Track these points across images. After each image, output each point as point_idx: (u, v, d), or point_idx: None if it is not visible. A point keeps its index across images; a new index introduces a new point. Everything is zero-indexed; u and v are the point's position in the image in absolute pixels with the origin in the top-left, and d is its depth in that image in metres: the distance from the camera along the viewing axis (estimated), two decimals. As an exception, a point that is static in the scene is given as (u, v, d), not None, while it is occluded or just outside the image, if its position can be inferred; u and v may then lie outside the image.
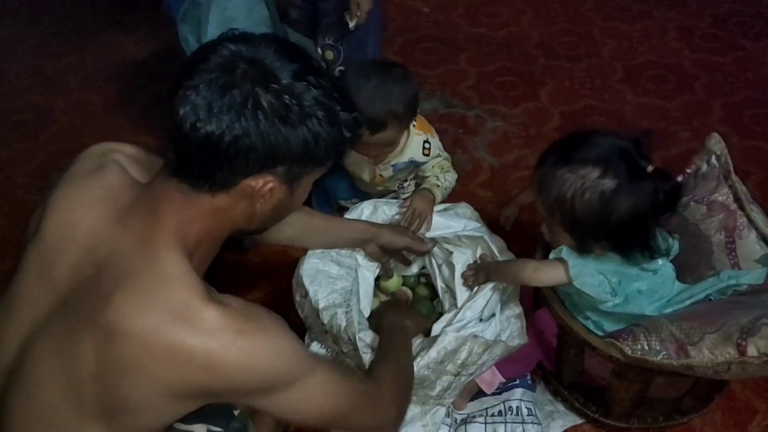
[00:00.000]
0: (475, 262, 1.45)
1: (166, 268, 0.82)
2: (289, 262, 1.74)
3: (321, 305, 1.34)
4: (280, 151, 0.82)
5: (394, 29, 2.70)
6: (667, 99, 2.26)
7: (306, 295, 1.39)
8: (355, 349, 1.27)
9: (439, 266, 1.53)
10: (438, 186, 1.55)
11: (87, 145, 0.99)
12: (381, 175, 1.58)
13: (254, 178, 0.84)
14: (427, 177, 1.58)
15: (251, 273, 1.78)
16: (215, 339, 0.80)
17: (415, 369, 1.25)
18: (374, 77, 1.36)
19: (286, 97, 0.80)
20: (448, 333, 1.28)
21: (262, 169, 0.83)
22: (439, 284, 1.52)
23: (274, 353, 0.85)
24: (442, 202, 1.56)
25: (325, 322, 1.33)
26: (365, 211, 1.51)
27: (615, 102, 2.27)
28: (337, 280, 1.40)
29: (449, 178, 1.57)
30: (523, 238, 1.49)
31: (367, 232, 1.40)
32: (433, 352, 1.25)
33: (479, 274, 1.37)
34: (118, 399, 0.82)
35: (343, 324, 1.29)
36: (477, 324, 1.37)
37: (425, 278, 1.63)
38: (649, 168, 1.11)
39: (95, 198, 0.90)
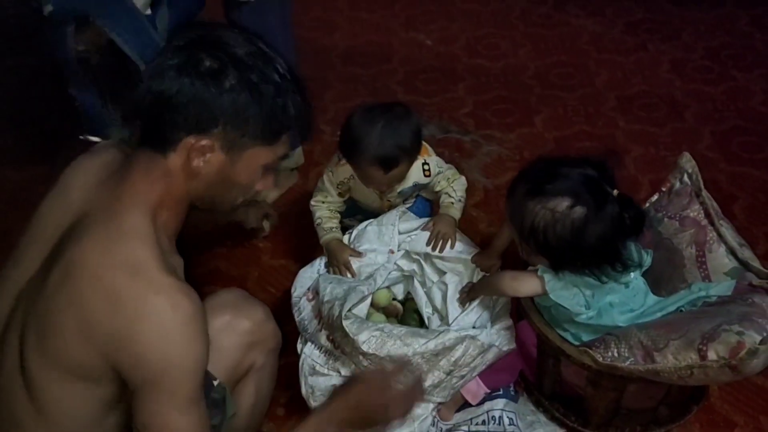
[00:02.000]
0: (468, 283, 1.52)
1: (130, 223, 0.93)
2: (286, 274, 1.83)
3: (326, 299, 1.42)
4: (211, 111, 0.93)
5: (398, 61, 2.81)
6: (658, 126, 2.33)
7: (313, 298, 1.49)
8: (346, 335, 1.33)
9: (429, 288, 1.60)
10: (453, 204, 1.62)
11: None
12: (389, 201, 1.66)
13: (194, 136, 0.95)
14: (440, 194, 1.65)
15: (250, 288, 1.86)
16: (149, 300, 0.89)
17: (410, 355, 1.30)
18: (380, 119, 1.44)
19: (227, 62, 0.93)
20: (449, 330, 1.35)
21: (199, 128, 0.94)
22: (425, 310, 1.58)
23: (183, 353, 0.91)
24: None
25: (326, 314, 1.40)
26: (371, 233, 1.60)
27: (607, 128, 2.34)
28: (344, 281, 1.49)
29: (459, 187, 1.64)
30: (514, 255, 1.55)
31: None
32: (431, 344, 1.32)
33: (469, 292, 1.46)
34: (53, 326, 0.92)
35: (335, 314, 1.36)
36: (470, 330, 1.44)
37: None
38: (615, 192, 1.17)
39: (90, 169, 1.06)
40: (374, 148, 1.42)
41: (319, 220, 1.64)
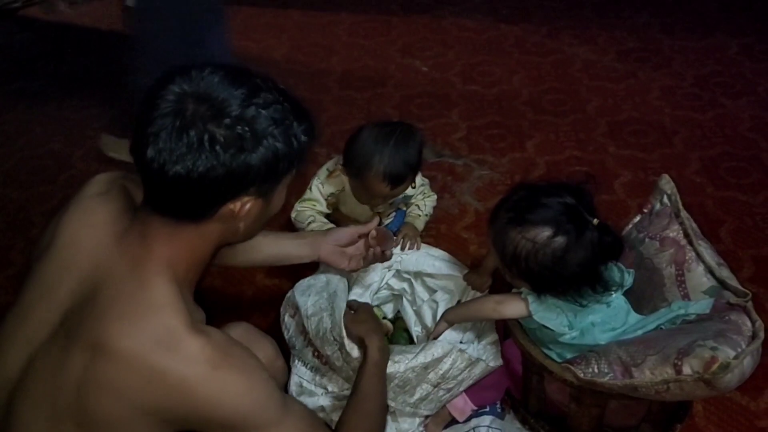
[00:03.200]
0: (458, 301, 1.55)
1: (155, 295, 0.89)
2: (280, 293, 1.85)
3: (309, 312, 1.42)
4: (246, 176, 0.88)
5: (394, 86, 2.87)
6: (647, 152, 2.37)
7: (295, 313, 1.48)
8: (341, 347, 1.34)
9: (420, 306, 1.63)
10: (420, 216, 1.75)
11: None
12: (378, 212, 1.72)
13: (231, 202, 0.91)
14: (412, 206, 1.76)
15: (244, 306, 1.89)
16: (191, 369, 0.87)
17: (401, 371, 1.32)
18: (391, 138, 1.51)
19: (239, 127, 0.85)
20: (437, 342, 1.37)
21: (236, 194, 0.90)
22: (414, 329, 1.61)
23: (246, 393, 0.91)
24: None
25: (312, 328, 1.40)
26: None
27: (597, 153, 2.39)
28: (323, 290, 1.49)
29: (429, 203, 1.77)
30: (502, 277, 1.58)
31: (310, 247, 1.43)
32: (421, 357, 1.34)
33: (440, 327, 1.46)
34: (95, 415, 0.88)
35: (328, 326, 1.37)
36: (457, 345, 1.46)
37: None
38: (595, 221, 1.21)
39: (99, 221, 0.98)
40: (385, 165, 1.49)
41: (311, 218, 1.67)
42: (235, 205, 0.92)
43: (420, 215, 1.74)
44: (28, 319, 0.96)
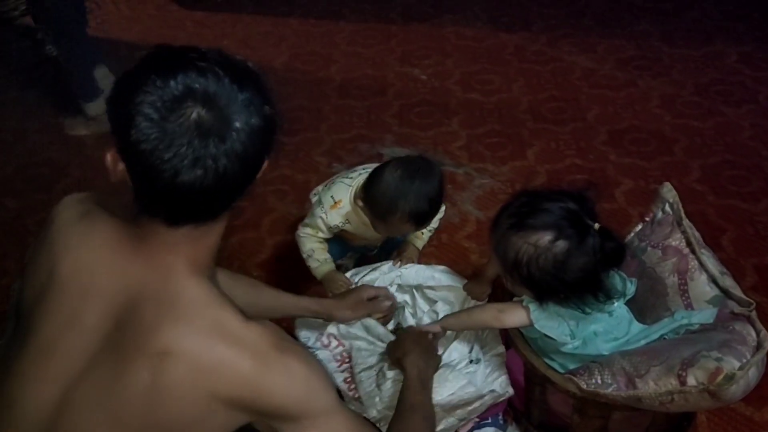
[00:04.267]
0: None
1: (198, 295, 0.89)
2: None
3: (359, 368, 1.46)
4: (252, 176, 0.87)
5: (393, 94, 2.87)
6: (647, 160, 2.36)
7: (329, 344, 1.53)
8: (379, 371, 1.41)
9: (420, 318, 1.62)
10: (423, 233, 1.71)
11: None
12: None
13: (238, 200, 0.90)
14: None
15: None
16: (258, 355, 0.87)
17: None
18: (416, 178, 1.46)
19: (241, 144, 0.81)
20: (470, 383, 1.38)
21: (242, 194, 0.88)
22: None
23: (308, 378, 0.91)
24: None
25: (357, 362, 1.47)
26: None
27: (598, 162, 2.38)
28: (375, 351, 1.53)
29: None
30: (499, 283, 1.57)
31: (315, 313, 1.48)
32: (455, 398, 1.36)
33: (433, 326, 1.45)
34: (168, 421, 0.87)
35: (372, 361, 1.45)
36: (468, 365, 1.45)
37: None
38: (596, 226, 1.20)
39: (100, 241, 0.93)
40: (411, 207, 1.45)
41: (310, 252, 1.64)
42: (240, 202, 0.90)
43: (423, 232, 1.70)
44: (53, 355, 0.90)
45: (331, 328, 1.53)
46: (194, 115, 0.78)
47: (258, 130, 0.83)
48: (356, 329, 1.52)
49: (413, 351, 1.37)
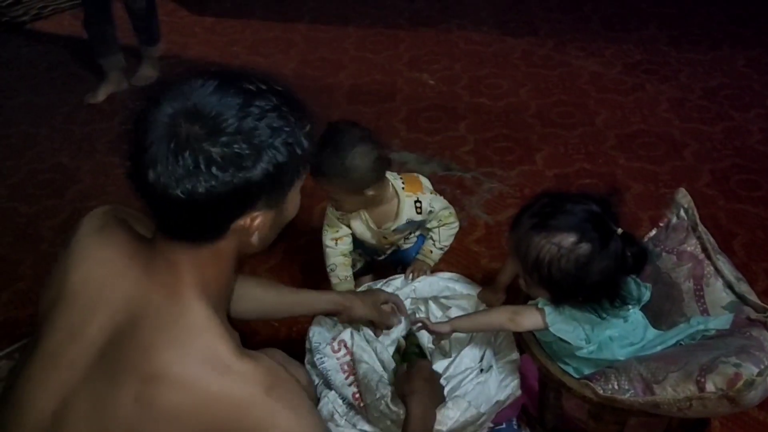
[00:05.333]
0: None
1: (197, 321, 0.88)
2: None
3: (359, 357, 1.46)
4: (249, 192, 0.84)
5: (402, 99, 2.88)
6: (657, 164, 2.36)
7: (339, 349, 1.51)
8: (384, 398, 1.38)
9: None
10: (432, 252, 1.70)
11: (109, 202, 1.07)
12: (385, 237, 1.68)
13: (241, 218, 0.88)
14: (428, 239, 1.71)
15: (249, 326, 1.87)
16: (245, 391, 0.85)
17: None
18: (336, 137, 1.45)
19: (236, 145, 0.81)
20: (470, 406, 1.35)
21: (243, 210, 0.87)
22: (428, 345, 1.60)
23: (295, 418, 0.88)
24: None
25: (360, 374, 1.44)
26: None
27: (607, 166, 2.38)
28: (374, 339, 1.53)
29: (445, 234, 1.68)
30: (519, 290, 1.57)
31: (338, 305, 1.47)
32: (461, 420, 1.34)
33: (443, 326, 1.43)
34: None
35: (376, 379, 1.42)
36: (479, 375, 1.44)
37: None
38: (619, 230, 1.20)
39: (112, 255, 0.95)
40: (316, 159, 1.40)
41: (333, 266, 1.66)
42: (245, 221, 0.89)
43: (432, 250, 1.69)
44: (58, 363, 0.92)
45: (345, 335, 1.53)
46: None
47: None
48: (364, 351, 1.50)
49: (422, 392, 1.33)
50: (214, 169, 0.80)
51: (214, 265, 0.92)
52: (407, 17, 3.56)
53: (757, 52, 3.00)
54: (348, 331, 1.52)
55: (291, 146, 0.86)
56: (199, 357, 0.86)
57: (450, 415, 1.34)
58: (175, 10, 3.81)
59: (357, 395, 1.44)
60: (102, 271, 0.94)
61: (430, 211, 1.63)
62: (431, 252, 1.69)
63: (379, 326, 1.54)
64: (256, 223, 0.90)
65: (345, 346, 1.51)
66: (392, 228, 1.62)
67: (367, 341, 1.52)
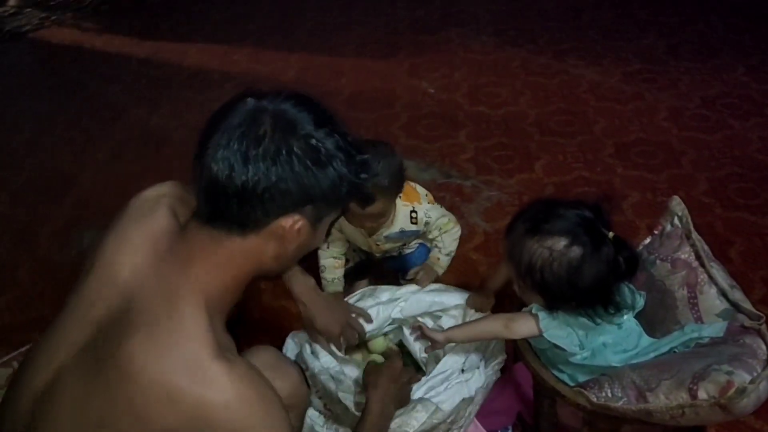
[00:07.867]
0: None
1: (185, 325, 0.88)
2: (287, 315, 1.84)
3: (317, 370, 1.44)
4: (312, 192, 0.88)
5: (401, 106, 2.89)
6: (655, 172, 2.37)
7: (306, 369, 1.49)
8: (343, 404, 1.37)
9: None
10: (439, 260, 1.69)
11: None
12: (377, 244, 1.69)
13: (285, 218, 0.90)
14: (434, 242, 1.70)
15: (251, 327, 1.88)
16: (212, 394, 0.85)
17: None
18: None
19: (313, 141, 0.87)
20: (439, 409, 1.35)
21: (294, 209, 0.90)
22: (420, 356, 1.59)
23: (263, 426, 0.89)
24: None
25: (320, 385, 1.43)
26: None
27: (605, 174, 2.38)
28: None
29: (448, 240, 1.68)
30: (510, 296, 1.57)
31: (300, 305, 1.45)
32: (428, 423, 1.34)
33: (437, 335, 1.42)
34: None
35: (334, 387, 1.41)
36: (459, 375, 1.44)
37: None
38: (610, 234, 1.20)
39: (140, 243, 0.97)
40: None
41: (323, 268, 1.67)
42: (287, 222, 0.90)
43: (440, 258, 1.69)
44: (67, 331, 0.95)
45: (305, 351, 1.51)
46: None
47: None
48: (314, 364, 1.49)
49: (384, 389, 1.34)
50: (293, 159, 0.86)
51: (231, 264, 0.92)
52: (407, 25, 3.58)
53: (756, 60, 3.00)
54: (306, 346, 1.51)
55: (354, 167, 0.92)
56: (174, 358, 0.86)
57: (418, 417, 1.34)
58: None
59: (328, 407, 1.45)
60: (125, 257, 0.96)
61: (427, 222, 1.62)
62: (438, 259, 1.70)
63: (335, 344, 1.52)
64: (297, 227, 0.91)
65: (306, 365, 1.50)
66: (384, 234, 1.62)
67: (314, 354, 1.50)
